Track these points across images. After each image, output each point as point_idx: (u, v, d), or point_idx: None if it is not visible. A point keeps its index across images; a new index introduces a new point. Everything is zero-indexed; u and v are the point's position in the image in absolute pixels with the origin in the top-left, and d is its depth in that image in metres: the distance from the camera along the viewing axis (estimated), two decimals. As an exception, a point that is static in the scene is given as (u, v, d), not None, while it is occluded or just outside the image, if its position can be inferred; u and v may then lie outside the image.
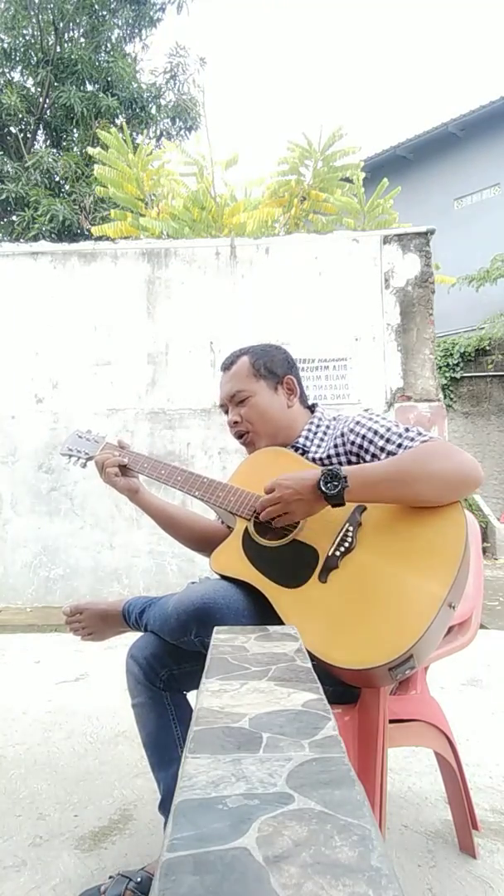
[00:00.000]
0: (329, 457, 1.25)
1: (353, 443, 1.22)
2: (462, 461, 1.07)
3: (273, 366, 1.36)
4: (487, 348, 8.65)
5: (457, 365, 8.74)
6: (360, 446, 1.20)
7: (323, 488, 1.07)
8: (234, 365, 1.37)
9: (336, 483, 1.06)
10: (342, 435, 1.24)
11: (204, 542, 1.41)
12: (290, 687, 0.61)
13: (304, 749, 0.46)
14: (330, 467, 1.09)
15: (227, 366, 1.39)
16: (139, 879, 1.17)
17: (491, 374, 8.60)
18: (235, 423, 1.35)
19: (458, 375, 8.73)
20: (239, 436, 1.37)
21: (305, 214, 7.19)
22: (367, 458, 1.20)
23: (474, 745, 1.93)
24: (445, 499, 1.06)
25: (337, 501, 1.08)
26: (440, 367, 8.52)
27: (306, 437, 1.32)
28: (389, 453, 1.16)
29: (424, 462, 1.06)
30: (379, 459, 1.18)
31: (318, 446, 1.29)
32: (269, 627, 0.90)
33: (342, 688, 1.05)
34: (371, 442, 1.19)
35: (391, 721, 1.12)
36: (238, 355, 1.39)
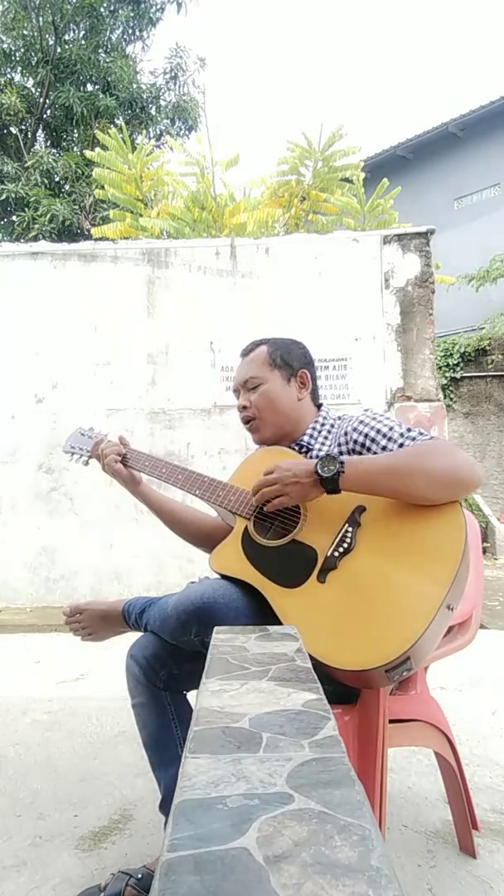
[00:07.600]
0: None
1: (356, 441, 1.22)
2: (460, 460, 1.06)
3: (290, 358, 1.37)
4: (487, 348, 8.64)
5: (457, 365, 8.74)
6: (363, 444, 1.21)
7: (319, 471, 1.08)
8: (253, 352, 1.38)
9: (332, 466, 1.08)
10: (345, 434, 1.25)
11: (205, 538, 1.41)
12: (290, 687, 0.60)
13: (304, 749, 0.46)
14: (328, 453, 1.10)
15: (245, 352, 1.40)
16: (140, 876, 1.17)
17: (491, 374, 8.59)
18: (244, 407, 1.35)
19: (458, 375, 8.72)
20: (246, 421, 1.37)
21: (305, 214, 7.19)
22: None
23: (474, 745, 1.93)
24: (441, 497, 1.05)
25: (332, 486, 1.09)
26: (440, 367, 8.52)
27: (310, 435, 1.33)
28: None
29: (422, 458, 1.07)
30: None
31: (323, 444, 1.30)
32: (269, 627, 0.89)
33: (342, 688, 1.05)
34: (374, 441, 1.20)
35: (391, 721, 1.12)
36: (258, 343, 1.40)
